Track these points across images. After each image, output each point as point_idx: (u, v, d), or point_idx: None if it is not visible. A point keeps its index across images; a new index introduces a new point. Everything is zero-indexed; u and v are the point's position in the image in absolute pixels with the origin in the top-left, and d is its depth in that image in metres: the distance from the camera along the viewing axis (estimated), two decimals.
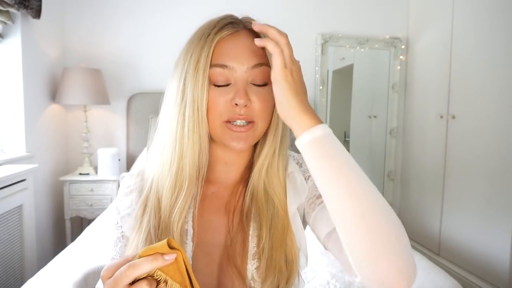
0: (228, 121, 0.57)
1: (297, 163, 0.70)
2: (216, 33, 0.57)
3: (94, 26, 2.45)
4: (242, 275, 0.60)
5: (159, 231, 0.58)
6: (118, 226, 0.63)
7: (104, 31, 2.47)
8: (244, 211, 0.63)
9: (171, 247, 0.43)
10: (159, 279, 0.43)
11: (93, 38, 2.46)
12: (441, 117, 2.44)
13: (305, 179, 0.67)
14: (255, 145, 0.65)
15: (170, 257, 0.42)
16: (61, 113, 2.40)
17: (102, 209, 2.15)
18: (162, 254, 0.42)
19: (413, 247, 2.59)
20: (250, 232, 0.62)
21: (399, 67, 2.86)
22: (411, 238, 2.82)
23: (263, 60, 0.58)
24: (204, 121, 0.56)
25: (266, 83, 0.58)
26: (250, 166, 0.66)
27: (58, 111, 2.35)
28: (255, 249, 0.61)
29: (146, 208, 0.59)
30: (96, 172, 2.30)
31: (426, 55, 2.66)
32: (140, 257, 0.42)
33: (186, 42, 0.60)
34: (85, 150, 2.31)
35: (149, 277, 0.43)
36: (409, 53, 2.86)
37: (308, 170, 0.67)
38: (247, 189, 0.64)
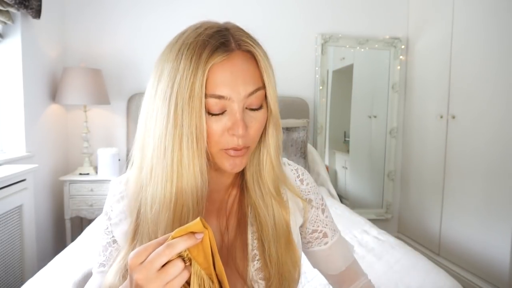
0: (225, 149, 0.55)
1: (297, 177, 0.69)
2: (209, 58, 0.52)
3: (94, 26, 2.45)
4: (243, 277, 0.60)
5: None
6: (108, 231, 0.62)
7: (104, 31, 2.47)
8: (241, 214, 0.63)
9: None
10: (184, 258, 0.43)
11: (93, 38, 2.46)
12: (441, 117, 2.44)
13: (305, 200, 0.67)
14: None
15: (200, 236, 0.43)
16: (61, 113, 2.40)
17: (102, 209, 2.15)
18: (194, 233, 0.43)
19: (413, 247, 2.59)
20: (249, 235, 0.61)
21: (399, 67, 2.86)
22: (411, 238, 2.82)
23: (259, 85, 0.55)
24: (204, 152, 0.53)
25: (261, 107, 0.57)
26: (243, 173, 0.64)
27: (58, 111, 2.35)
28: (254, 251, 0.61)
29: (136, 234, 0.57)
30: (96, 172, 2.30)
31: (426, 55, 2.66)
32: (173, 238, 0.43)
33: (169, 50, 0.56)
34: (85, 150, 2.31)
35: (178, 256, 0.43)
36: (409, 53, 2.86)
37: (310, 192, 0.69)
38: (242, 192, 0.64)
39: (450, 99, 2.37)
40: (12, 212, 1.59)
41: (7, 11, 1.80)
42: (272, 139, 0.60)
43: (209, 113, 0.53)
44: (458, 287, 1.16)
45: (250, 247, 0.61)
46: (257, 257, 0.60)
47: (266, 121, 0.58)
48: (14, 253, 1.61)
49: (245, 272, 0.60)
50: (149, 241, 0.53)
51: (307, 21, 2.73)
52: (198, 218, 0.43)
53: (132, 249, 0.55)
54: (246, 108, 0.55)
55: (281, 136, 0.62)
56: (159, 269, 0.42)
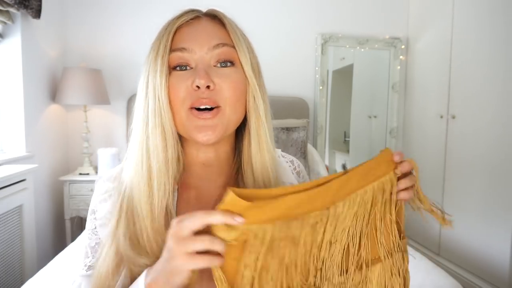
0: (192, 108, 0.52)
1: (294, 169, 0.66)
2: (176, 20, 0.55)
3: (94, 26, 2.45)
4: None
5: (133, 241, 0.52)
6: (96, 231, 0.59)
7: (104, 31, 2.47)
8: None
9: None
10: (230, 243, 0.41)
11: (93, 38, 2.46)
12: (441, 117, 2.44)
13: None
14: (237, 144, 0.60)
15: (240, 219, 0.41)
16: (61, 113, 2.40)
17: None
18: (239, 214, 0.41)
19: (413, 247, 2.59)
20: None
21: (399, 67, 2.86)
22: (411, 238, 2.82)
23: (226, 41, 0.54)
24: (166, 111, 0.52)
25: (231, 63, 0.54)
26: (237, 169, 0.60)
27: (58, 111, 2.35)
28: None
29: (120, 219, 0.54)
30: (96, 172, 2.30)
31: (426, 55, 2.66)
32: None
33: None
34: (85, 150, 2.31)
35: (218, 236, 0.41)
36: (409, 53, 2.86)
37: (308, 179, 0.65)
38: None
39: (450, 99, 2.37)
40: (12, 212, 1.59)
41: (7, 11, 1.80)
42: (255, 109, 0.55)
43: (173, 68, 0.53)
44: (458, 287, 1.16)
45: None
46: None
47: (247, 93, 0.55)
48: (14, 253, 1.61)
49: None
50: (128, 225, 0.52)
51: (307, 21, 2.73)
52: (249, 203, 0.41)
53: (117, 239, 0.52)
54: (214, 65, 0.54)
55: (269, 112, 0.58)
56: (191, 235, 0.41)
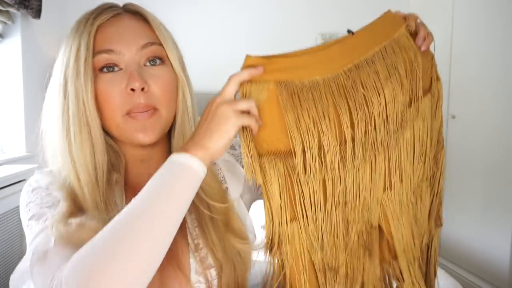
0: (130, 113, 0.51)
1: (229, 148, 0.66)
2: (95, 18, 0.51)
3: None
4: (185, 275, 0.54)
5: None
6: (49, 193, 0.53)
7: None
8: None
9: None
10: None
11: None
12: None
13: (240, 163, 0.64)
14: (170, 138, 0.60)
15: (259, 69, 0.48)
16: None
17: None
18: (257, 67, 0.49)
19: None
20: (189, 224, 0.57)
21: None
22: None
23: (153, 39, 0.53)
24: (94, 116, 0.50)
25: (161, 60, 0.54)
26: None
27: None
28: (197, 240, 0.56)
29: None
30: None
31: None
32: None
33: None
34: None
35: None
36: None
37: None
38: None
39: (450, 99, 2.36)
40: (12, 212, 1.59)
41: (7, 11, 1.80)
42: (183, 104, 0.56)
43: (100, 70, 0.51)
44: (458, 287, 1.16)
45: (190, 237, 0.56)
46: (200, 246, 0.55)
47: (176, 89, 0.55)
48: (14, 253, 1.61)
49: (187, 268, 0.54)
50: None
51: (307, 21, 2.73)
52: (245, 55, 0.49)
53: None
54: (145, 65, 0.53)
55: (195, 106, 0.59)
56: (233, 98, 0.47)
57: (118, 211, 0.45)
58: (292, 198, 0.50)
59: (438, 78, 0.60)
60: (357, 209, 0.52)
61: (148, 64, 0.53)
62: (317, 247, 0.51)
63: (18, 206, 1.69)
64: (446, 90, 2.40)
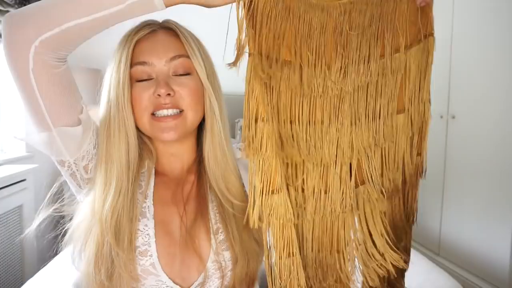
0: (154, 114, 0.60)
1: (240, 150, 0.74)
2: (135, 34, 0.62)
3: None
4: (202, 260, 0.61)
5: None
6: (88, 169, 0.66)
7: (104, 31, 2.46)
8: (200, 198, 0.66)
9: None
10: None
11: (93, 38, 2.45)
12: (441, 117, 2.44)
13: None
14: (200, 138, 0.68)
15: None
16: None
17: None
18: None
19: (413, 247, 2.59)
20: (210, 210, 0.64)
21: None
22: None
23: (181, 52, 0.61)
24: (130, 118, 0.60)
25: (188, 73, 0.61)
26: (200, 159, 0.68)
27: None
28: (218, 224, 0.63)
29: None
30: None
31: None
32: None
33: None
34: None
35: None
36: None
37: None
38: (199, 178, 0.67)
39: (450, 99, 2.36)
40: (12, 212, 1.59)
41: (7, 11, 1.80)
42: (211, 110, 0.63)
43: (137, 80, 0.60)
44: (458, 287, 1.16)
45: (213, 221, 0.64)
46: (221, 230, 0.63)
47: (203, 96, 0.63)
48: (14, 253, 1.61)
49: (207, 248, 0.62)
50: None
51: None
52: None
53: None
54: (174, 75, 0.60)
55: (223, 110, 0.65)
56: None
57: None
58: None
59: (431, 34, 0.63)
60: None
61: (177, 74, 0.61)
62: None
63: (18, 206, 1.70)
64: (446, 90, 2.40)
